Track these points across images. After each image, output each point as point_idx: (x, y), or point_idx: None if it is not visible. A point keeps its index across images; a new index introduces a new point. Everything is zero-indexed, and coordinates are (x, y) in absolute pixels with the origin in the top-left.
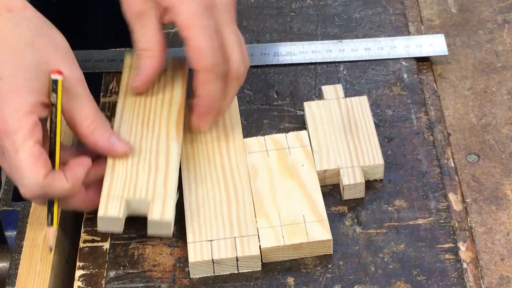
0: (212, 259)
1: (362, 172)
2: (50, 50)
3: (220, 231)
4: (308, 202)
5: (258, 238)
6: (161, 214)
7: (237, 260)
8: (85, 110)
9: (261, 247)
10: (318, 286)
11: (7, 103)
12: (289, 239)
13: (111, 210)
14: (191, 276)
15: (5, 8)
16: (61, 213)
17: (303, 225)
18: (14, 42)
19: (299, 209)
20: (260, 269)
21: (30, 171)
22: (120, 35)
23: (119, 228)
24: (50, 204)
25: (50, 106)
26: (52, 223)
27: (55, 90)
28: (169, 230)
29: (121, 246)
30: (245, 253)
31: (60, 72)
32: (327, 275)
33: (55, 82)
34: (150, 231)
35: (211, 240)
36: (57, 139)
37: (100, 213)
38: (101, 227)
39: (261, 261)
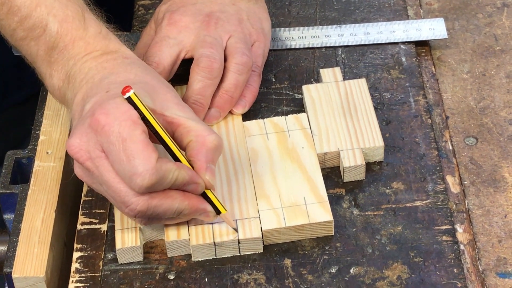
0: (214, 242)
1: (362, 154)
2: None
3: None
4: (308, 184)
5: (260, 220)
6: (177, 236)
7: (239, 243)
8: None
9: (263, 229)
10: (316, 268)
11: (109, 102)
12: (290, 221)
13: (128, 241)
14: (193, 259)
15: (122, 56)
16: (59, 195)
17: (304, 207)
18: (123, 70)
19: (299, 191)
20: (261, 251)
21: (142, 155)
22: (118, 20)
23: (139, 256)
24: (206, 197)
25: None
26: (219, 211)
27: (138, 104)
28: (188, 247)
29: None
30: (247, 236)
31: (130, 87)
32: (325, 257)
33: (129, 99)
34: (170, 253)
35: (212, 223)
36: (167, 140)
37: (118, 245)
38: (121, 259)
39: (263, 243)
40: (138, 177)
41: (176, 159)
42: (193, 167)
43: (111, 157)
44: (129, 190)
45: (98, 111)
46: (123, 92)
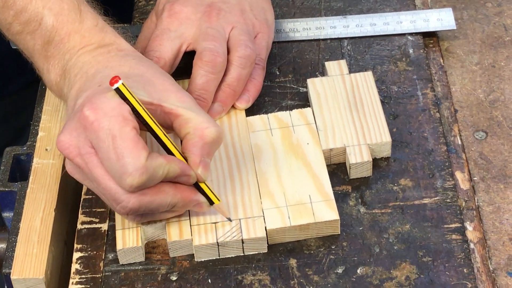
0: (217, 242)
1: (369, 150)
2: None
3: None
4: (314, 181)
5: (264, 219)
6: (179, 236)
7: (243, 243)
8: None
9: (267, 228)
10: (321, 268)
11: (99, 97)
12: (296, 220)
13: (129, 241)
14: (195, 260)
15: (117, 49)
16: (58, 193)
17: (310, 205)
18: (117, 64)
19: (305, 188)
20: (266, 251)
21: (132, 153)
22: (118, 11)
23: (140, 257)
24: (199, 188)
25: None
26: (213, 202)
27: (128, 96)
28: (190, 247)
29: None
30: (251, 235)
31: (118, 77)
32: (331, 257)
33: (117, 89)
34: (172, 253)
35: (215, 223)
36: (159, 132)
37: (119, 246)
38: (122, 259)
39: (267, 243)
40: (128, 177)
41: (169, 151)
42: (187, 160)
43: (101, 154)
44: (119, 187)
45: (87, 106)
46: (111, 83)
